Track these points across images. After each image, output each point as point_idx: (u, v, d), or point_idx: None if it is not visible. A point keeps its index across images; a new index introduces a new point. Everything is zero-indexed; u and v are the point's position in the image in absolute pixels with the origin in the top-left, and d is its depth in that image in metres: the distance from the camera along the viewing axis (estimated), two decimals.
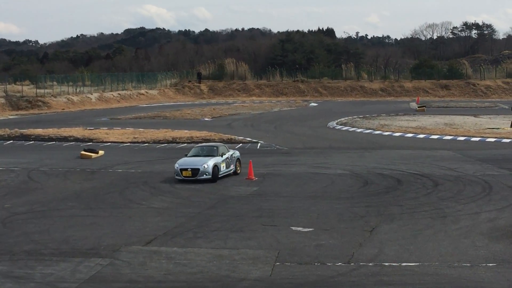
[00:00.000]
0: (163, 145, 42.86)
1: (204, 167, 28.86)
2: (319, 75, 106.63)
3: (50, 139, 45.89)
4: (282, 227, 20.67)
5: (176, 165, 29.47)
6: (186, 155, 30.72)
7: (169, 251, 18.05)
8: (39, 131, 49.09)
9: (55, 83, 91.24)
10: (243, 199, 25.51)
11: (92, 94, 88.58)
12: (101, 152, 38.15)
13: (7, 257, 17.51)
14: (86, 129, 51.19)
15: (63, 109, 78.03)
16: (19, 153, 39.16)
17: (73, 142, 44.43)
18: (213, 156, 29.76)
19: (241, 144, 42.62)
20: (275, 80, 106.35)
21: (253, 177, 29.81)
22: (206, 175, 28.79)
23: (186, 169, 29.01)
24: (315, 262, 16.88)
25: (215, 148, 30.60)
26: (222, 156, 29.88)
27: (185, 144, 42.69)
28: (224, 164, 29.83)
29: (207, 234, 19.94)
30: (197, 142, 43.18)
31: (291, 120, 60.50)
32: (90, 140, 45.12)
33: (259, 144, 43.01)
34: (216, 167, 29.14)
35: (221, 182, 29.07)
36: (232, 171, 30.63)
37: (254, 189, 27.57)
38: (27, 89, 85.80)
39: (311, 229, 20.42)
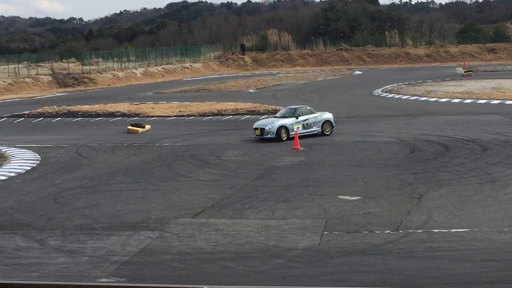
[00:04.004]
0: (209, 117, 43.00)
1: (269, 127, 31.75)
2: (363, 43, 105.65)
3: (97, 115, 46.38)
4: (329, 196, 20.67)
5: (254, 125, 33.08)
6: (274, 116, 34.33)
7: (217, 223, 18.19)
8: (86, 107, 49.63)
9: (100, 59, 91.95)
10: (289, 169, 25.54)
11: (137, 69, 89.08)
12: (147, 127, 38.45)
13: (59, 231, 17.83)
14: (132, 104, 51.56)
15: (109, 85, 78.66)
16: (68, 130, 39.66)
17: (120, 117, 44.82)
18: (287, 117, 32.39)
19: None
20: (319, 49, 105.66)
21: (299, 147, 29.80)
22: (270, 134, 31.57)
23: (257, 129, 32.27)
24: (363, 230, 16.87)
25: (293, 110, 33.18)
26: (297, 118, 32.14)
27: (230, 116, 42.79)
28: (299, 125, 32.00)
29: (254, 205, 20.04)
30: (242, 114, 43.29)
31: (335, 89, 60.16)
32: (137, 115, 45.48)
33: None
34: (283, 128, 31.68)
35: (266, 153, 29.09)
36: (316, 131, 32.66)
37: (301, 159, 27.57)
38: (73, 66, 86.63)
39: (358, 198, 20.39)
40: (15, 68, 78.47)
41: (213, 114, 44.10)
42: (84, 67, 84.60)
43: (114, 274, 14.10)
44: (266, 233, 16.93)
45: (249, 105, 46.47)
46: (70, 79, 78.81)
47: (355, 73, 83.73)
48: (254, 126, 32.82)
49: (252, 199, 20.82)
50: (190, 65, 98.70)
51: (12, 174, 26.50)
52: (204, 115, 44.09)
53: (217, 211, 19.53)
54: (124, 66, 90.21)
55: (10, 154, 31.03)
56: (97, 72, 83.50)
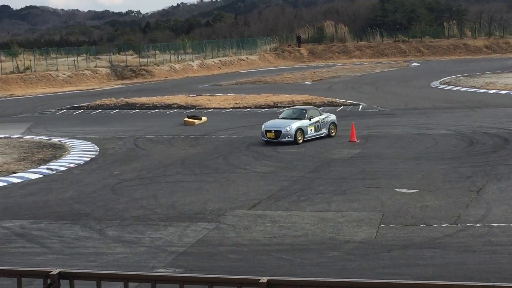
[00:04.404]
0: (265, 110, 43.03)
1: (287, 129, 29.39)
2: (421, 34, 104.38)
3: (154, 107, 46.80)
4: (386, 189, 20.53)
5: (263, 127, 30.28)
6: (278, 117, 31.68)
7: (274, 215, 18.22)
8: (143, 99, 50.12)
9: (157, 52, 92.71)
10: (345, 161, 25.43)
11: (193, 61, 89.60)
12: (204, 119, 38.68)
13: (117, 222, 18.08)
14: (188, 96, 51.87)
15: (166, 77, 79.28)
16: (126, 122, 40.12)
17: (177, 109, 45.16)
18: (300, 119, 30.19)
19: (342, 107, 42.38)
20: (376, 41, 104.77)
21: (355, 140, 29.64)
22: (288, 137, 29.31)
23: (270, 131, 29.71)
24: (420, 223, 16.72)
25: (304, 111, 31.02)
26: (310, 120, 30.13)
27: (287, 109, 42.73)
28: (312, 128, 30.11)
29: (310, 197, 20.01)
30: None
31: (392, 81, 59.61)
32: (193, 106, 45.77)
33: (360, 106, 42.64)
34: (300, 130, 29.59)
35: (322, 145, 29.03)
36: (324, 134, 30.70)
37: (357, 151, 27.43)
38: (131, 58, 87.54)
39: (415, 191, 20.19)
40: (74, 60, 79.66)
41: (269, 106, 44.12)
42: (141, 60, 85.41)
43: (171, 265, 14.25)
44: (322, 226, 16.89)
45: (305, 97, 46.35)
46: (128, 71, 79.68)
47: (412, 65, 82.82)
48: (265, 128, 30.08)
49: (308, 191, 20.80)
50: (246, 57, 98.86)
51: (72, 165, 26.94)
52: (260, 107, 44.14)
53: (273, 203, 19.56)
54: (181, 59, 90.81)
55: (70, 145, 31.55)
56: (154, 64, 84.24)
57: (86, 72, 76.79)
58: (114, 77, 77.53)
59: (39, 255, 15.33)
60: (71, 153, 29.63)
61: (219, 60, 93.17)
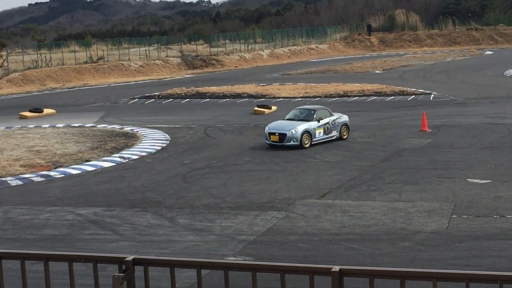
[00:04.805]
0: (335, 99, 42.83)
1: (292, 132, 26.66)
2: (494, 22, 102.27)
3: (224, 96, 47.08)
4: (458, 179, 20.23)
5: (266, 129, 27.89)
6: (283, 118, 28.85)
7: (343, 204, 18.16)
8: (214, 88, 50.45)
9: (227, 41, 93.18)
10: (416, 151, 25.15)
11: (263, 50, 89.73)
12: (273, 108, 38.72)
13: (188, 210, 18.27)
14: (258, 85, 52.00)
15: (236, 66, 79.64)
16: (196, 111, 40.46)
17: (247, 99, 45.33)
18: (307, 120, 27.49)
19: (413, 96, 41.88)
20: (448, 29, 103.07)
21: (427, 129, 29.26)
22: (293, 141, 26.63)
23: (274, 134, 27.04)
24: (493, 214, 16.43)
25: (312, 111, 28.16)
26: (319, 121, 27.40)
27: (356, 98, 42.49)
28: (321, 130, 27.35)
29: (381, 187, 19.87)
30: (369, 96, 42.89)
31: (465, 70, 58.60)
32: (263, 96, 45.86)
33: (432, 95, 42.05)
34: (306, 133, 26.85)
35: (393, 135, 28.76)
36: (334, 137, 27.95)
37: (428, 141, 27.08)
38: (201, 48, 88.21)
39: (488, 181, 19.85)
40: (146, 50, 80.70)
41: (339, 95, 43.91)
42: (211, 49, 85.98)
43: (241, 253, 14.34)
44: (393, 216, 16.76)
45: (375, 86, 45.98)
46: (198, 61, 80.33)
47: (485, 53, 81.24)
48: (268, 130, 27.47)
49: (379, 181, 20.65)
50: (316, 46, 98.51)
51: (144, 154, 27.33)
52: (330, 96, 43.95)
53: (343, 192, 19.49)
54: (251, 48, 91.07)
55: (142, 134, 32.00)
56: (224, 54, 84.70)
57: (157, 61, 77.72)
58: (185, 67, 78.26)
59: (112, 242, 15.62)
60: (142, 142, 30.06)
61: (289, 49, 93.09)
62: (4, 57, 68.05)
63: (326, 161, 24.19)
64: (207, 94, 48.08)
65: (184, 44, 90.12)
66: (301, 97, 44.20)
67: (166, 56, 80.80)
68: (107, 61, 74.82)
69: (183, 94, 48.86)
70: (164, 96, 48.75)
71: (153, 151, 27.89)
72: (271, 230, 16.02)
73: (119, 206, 19.08)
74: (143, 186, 21.65)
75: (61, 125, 36.21)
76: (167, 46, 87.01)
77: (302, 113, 28.37)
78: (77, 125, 36.04)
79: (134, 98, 48.79)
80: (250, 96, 46.27)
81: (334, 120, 28.06)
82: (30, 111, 41.12)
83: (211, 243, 15.18)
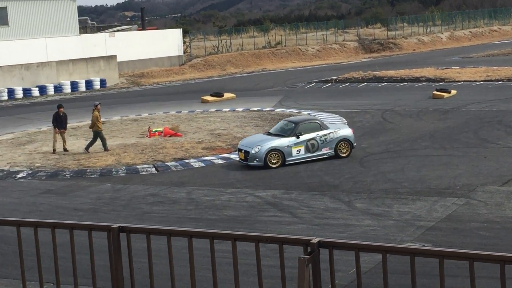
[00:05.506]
0: None
1: (255, 151, 22.87)
2: None
3: (402, 80, 46.43)
4: None
5: (239, 144, 24.64)
6: (267, 131, 25.49)
7: None
8: (391, 72, 49.87)
9: (405, 24, 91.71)
10: None
11: (442, 33, 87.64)
12: (453, 92, 37.73)
13: (365, 195, 18.22)
14: (437, 69, 50.87)
15: (414, 50, 78.30)
16: (373, 95, 40.18)
17: (425, 83, 44.46)
18: (284, 136, 23.48)
19: None
20: None
21: None
22: (256, 161, 22.77)
23: (241, 150, 23.51)
24: None
25: (294, 125, 23.81)
26: (298, 137, 23.22)
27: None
28: (300, 147, 23.18)
29: None
30: None
31: None
32: (442, 79, 44.82)
33: None
34: (274, 152, 22.82)
35: None
36: (326, 155, 23.48)
37: None
38: (378, 32, 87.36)
39: None
40: (323, 35, 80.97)
41: None
42: (389, 33, 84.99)
43: (420, 239, 14.13)
44: None
45: None
46: (375, 44, 79.67)
47: None
48: (239, 147, 24.02)
49: None
50: (499, 28, 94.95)
51: None
52: None
53: None
54: (429, 31, 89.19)
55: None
56: (402, 37, 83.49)
57: (334, 46, 77.82)
58: (362, 51, 77.88)
59: (290, 224, 15.85)
60: None
61: (470, 32, 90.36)
62: (187, 43, 70.59)
63: (509, 147, 23.31)
64: (384, 78, 47.62)
65: (361, 28, 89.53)
66: (482, 81, 42.79)
67: (343, 40, 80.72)
68: (285, 46, 75.78)
69: (360, 78, 48.68)
70: (341, 80, 48.78)
71: None
72: (450, 217, 15.66)
73: (297, 189, 19.34)
74: (321, 169, 21.81)
75: (240, 109, 37.12)
76: (344, 30, 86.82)
77: (286, 125, 24.27)
78: (256, 109, 36.80)
79: (311, 82, 49.14)
80: (428, 80, 45.36)
81: (324, 135, 23.58)
82: (211, 95, 42.43)
83: (388, 228, 15.06)
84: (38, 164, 25.43)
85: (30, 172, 24.14)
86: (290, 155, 23.03)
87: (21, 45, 53.20)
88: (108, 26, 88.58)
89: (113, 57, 57.43)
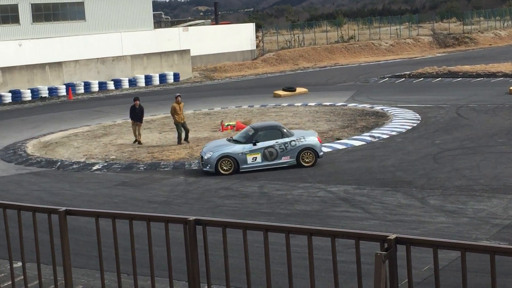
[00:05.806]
0: None
1: (207, 156, 22.46)
2: None
3: (477, 75, 45.61)
4: None
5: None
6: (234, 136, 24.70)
7: None
8: (466, 67, 49.05)
9: (481, 18, 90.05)
10: None
11: None
12: None
13: (439, 191, 17.99)
14: None
15: (490, 44, 76.83)
16: (447, 90, 39.59)
17: (501, 78, 43.58)
18: (242, 142, 22.90)
19: None
20: None
21: None
22: (208, 167, 22.36)
23: (201, 155, 23.15)
24: None
25: (253, 131, 23.24)
26: (255, 144, 22.55)
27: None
28: (257, 155, 22.46)
29: None
30: None
31: None
32: None
33: None
34: (226, 159, 22.28)
35: None
36: (286, 164, 22.62)
37: None
38: (454, 26, 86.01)
39: None
40: (396, 29, 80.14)
41: None
42: (464, 27, 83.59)
43: (495, 237, 13.88)
44: None
45: None
46: (450, 39, 78.46)
47: None
48: (201, 151, 23.59)
49: None
50: None
51: (394, 133, 27.25)
52: None
53: None
54: (507, 25, 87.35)
55: (392, 113, 31.90)
56: (478, 31, 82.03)
57: (408, 40, 76.95)
58: (436, 45, 76.80)
59: (362, 220, 15.77)
60: (393, 121, 29.97)
61: None
62: (260, 38, 70.78)
63: None
64: (460, 73, 46.86)
65: (436, 22, 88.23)
66: None
67: (417, 35, 79.73)
68: (358, 40, 75.28)
69: (434, 73, 48.04)
70: (414, 75, 48.23)
71: (403, 130, 27.73)
72: None
73: (369, 185, 19.22)
74: (393, 165, 21.62)
75: (312, 104, 37.07)
76: (418, 25, 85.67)
77: (249, 131, 23.56)
78: (328, 103, 36.70)
79: (384, 77, 48.73)
80: (505, 75, 44.44)
81: (285, 143, 22.67)
82: (284, 90, 42.48)
83: (463, 226, 14.84)
84: (113, 157, 25.94)
85: (105, 164, 24.63)
86: (245, 162, 22.42)
87: (97, 40, 54.27)
88: (182, 21, 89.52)
89: (187, 51, 58.04)
